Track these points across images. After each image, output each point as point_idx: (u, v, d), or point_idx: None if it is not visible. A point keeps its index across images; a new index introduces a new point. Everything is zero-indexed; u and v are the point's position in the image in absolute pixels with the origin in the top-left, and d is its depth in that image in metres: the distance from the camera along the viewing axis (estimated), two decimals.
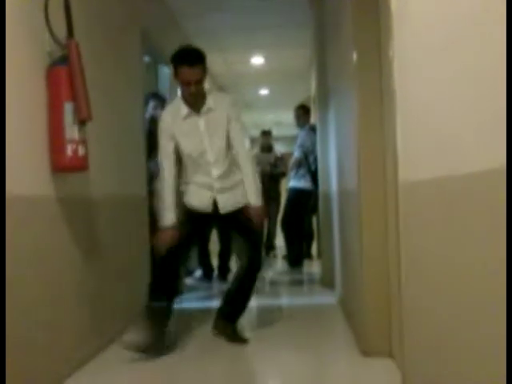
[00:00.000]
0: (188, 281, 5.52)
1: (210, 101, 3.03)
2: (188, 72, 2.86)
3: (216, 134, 3.05)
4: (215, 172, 3.06)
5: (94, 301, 3.04)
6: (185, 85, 2.91)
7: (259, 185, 3.20)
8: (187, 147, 3.03)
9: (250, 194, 3.11)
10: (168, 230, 2.98)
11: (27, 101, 2.41)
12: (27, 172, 2.38)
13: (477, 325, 1.24)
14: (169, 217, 2.98)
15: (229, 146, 3.10)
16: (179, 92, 3.13)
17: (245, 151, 3.14)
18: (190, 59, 2.88)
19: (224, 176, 3.08)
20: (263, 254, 7.73)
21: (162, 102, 4.70)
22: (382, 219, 2.74)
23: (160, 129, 3.07)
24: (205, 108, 3.02)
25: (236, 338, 3.15)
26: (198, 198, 3.09)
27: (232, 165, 3.12)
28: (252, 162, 3.21)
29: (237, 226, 3.21)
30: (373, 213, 2.76)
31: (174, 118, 3.03)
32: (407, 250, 1.93)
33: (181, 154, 3.07)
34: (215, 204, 3.08)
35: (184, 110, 3.01)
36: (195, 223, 3.15)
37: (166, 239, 2.96)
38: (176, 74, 2.94)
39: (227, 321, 3.22)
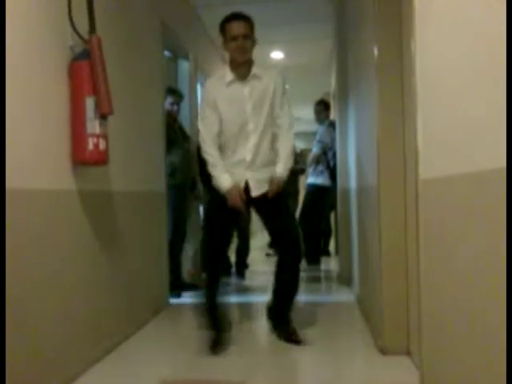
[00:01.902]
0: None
1: (256, 69, 2.98)
2: (235, 25, 2.87)
3: (259, 104, 2.96)
4: (252, 141, 2.96)
5: (113, 294, 3.08)
6: (232, 40, 2.88)
7: (292, 159, 3.12)
8: (228, 115, 2.94)
9: (279, 163, 3.04)
10: (231, 190, 2.90)
11: (49, 95, 2.44)
12: (49, 166, 2.41)
13: (496, 323, 1.22)
14: (224, 178, 2.91)
15: (271, 120, 3.01)
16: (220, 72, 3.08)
17: (288, 124, 3.07)
18: (236, 14, 2.91)
19: (260, 149, 2.99)
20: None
21: (179, 97, 4.71)
22: (402, 216, 2.73)
23: (202, 98, 3.03)
24: (250, 75, 2.96)
25: (293, 339, 3.06)
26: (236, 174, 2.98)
27: (271, 142, 3.04)
28: (293, 138, 3.12)
29: (272, 211, 3.07)
30: (392, 210, 2.75)
31: (217, 85, 2.97)
32: (426, 247, 1.92)
33: (222, 125, 2.97)
34: (246, 186, 2.99)
35: (229, 76, 2.95)
36: (226, 211, 2.99)
37: (236, 199, 2.90)
38: (224, 36, 2.92)
39: (282, 321, 3.15)
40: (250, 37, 2.90)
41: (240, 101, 2.94)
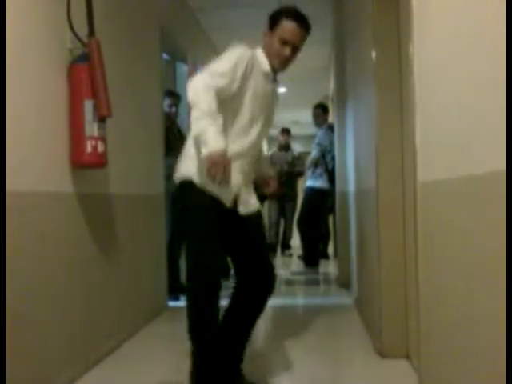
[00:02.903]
0: None
1: (278, 81, 2.53)
2: (294, 30, 2.35)
3: (270, 117, 2.51)
4: (252, 147, 2.41)
5: (112, 297, 3.07)
6: (281, 43, 2.35)
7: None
8: (247, 107, 2.34)
9: (267, 167, 2.84)
10: (221, 154, 2.09)
11: (48, 98, 2.44)
12: (47, 168, 2.41)
13: (495, 327, 1.22)
14: (219, 138, 2.10)
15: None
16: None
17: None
18: (302, 19, 2.40)
19: (251, 164, 2.46)
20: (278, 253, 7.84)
21: (177, 99, 4.73)
22: (400, 219, 2.73)
23: (229, 57, 2.29)
24: (276, 79, 2.49)
25: None
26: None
27: (258, 156, 2.58)
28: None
29: (250, 233, 2.44)
30: (390, 213, 2.75)
31: (255, 65, 2.36)
32: (425, 250, 1.92)
33: (231, 112, 2.31)
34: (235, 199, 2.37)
35: (266, 65, 2.40)
36: (215, 218, 2.32)
37: (219, 164, 2.08)
38: (274, 28, 2.37)
39: (237, 374, 2.44)
40: (299, 50, 2.43)
41: (265, 97, 2.42)
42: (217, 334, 2.33)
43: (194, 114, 2.15)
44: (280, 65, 2.42)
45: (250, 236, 2.44)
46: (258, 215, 2.46)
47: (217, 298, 2.28)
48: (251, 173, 2.47)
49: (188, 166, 2.34)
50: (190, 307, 2.32)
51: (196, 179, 2.30)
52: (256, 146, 2.45)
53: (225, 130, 2.21)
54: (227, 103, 2.27)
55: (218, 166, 2.08)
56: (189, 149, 2.37)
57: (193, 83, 2.21)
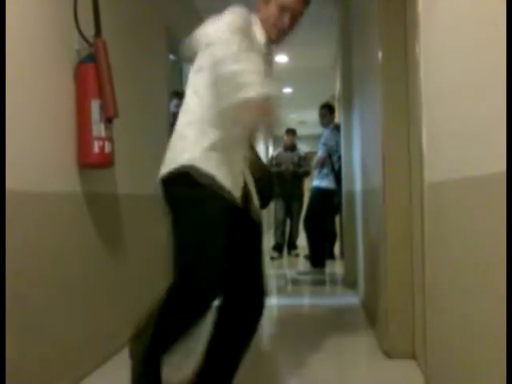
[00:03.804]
0: None
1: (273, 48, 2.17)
2: None
3: None
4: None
5: (118, 295, 3.08)
6: (280, 10, 2.01)
7: None
8: None
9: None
10: (267, 101, 1.77)
11: (55, 98, 2.45)
12: (54, 168, 2.42)
13: (502, 327, 1.22)
14: (266, 84, 1.78)
15: None
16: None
17: None
18: None
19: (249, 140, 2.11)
20: (285, 253, 7.83)
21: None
22: (407, 220, 2.72)
23: (233, 24, 1.90)
24: (271, 51, 2.16)
25: None
26: (232, 176, 1.93)
27: None
28: None
29: (253, 239, 2.09)
30: (397, 213, 2.74)
31: (250, 32, 1.99)
32: (432, 251, 1.91)
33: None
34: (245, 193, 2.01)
35: (261, 35, 2.05)
36: (226, 221, 1.91)
37: (272, 113, 1.79)
38: None
39: None
40: (299, 18, 2.09)
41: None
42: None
43: (220, 53, 1.80)
44: (278, 35, 2.07)
45: (251, 243, 2.07)
46: (259, 219, 2.10)
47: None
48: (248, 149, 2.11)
49: (185, 153, 1.90)
50: (167, 317, 1.94)
51: (202, 165, 1.85)
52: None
53: (220, 112, 1.86)
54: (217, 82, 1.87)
55: (269, 111, 1.75)
56: (184, 130, 1.95)
57: (212, 31, 1.88)
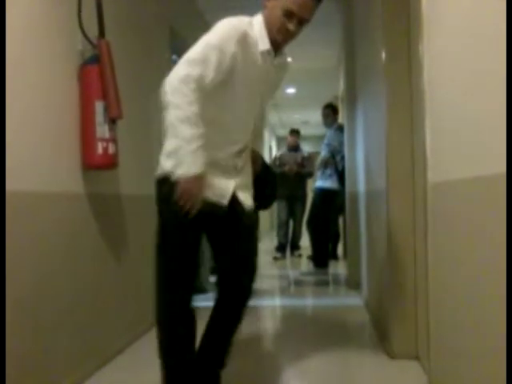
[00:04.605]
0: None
1: (285, 52, 2.13)
2: (302, 0, 1.92)
3: (269, 94, 2.20)
4: (243, 138, 2.09)
5: (122, 296, 3.08)
6: (284, 14, 1.92)
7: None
8: (239, 94, 1.99)
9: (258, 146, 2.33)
10: (195, 180, 1.86)
11: (59, 99, 2.45)
12: (58, 169, 2.43)
13: (504, 327, 1.22)
14: (198, 161, 1.86)
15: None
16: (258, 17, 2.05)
17: (265, 121, 2.32)
18: None
19: (246, 151, 2.14)
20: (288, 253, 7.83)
21: None
22: (410, 220, 2.72)
23: (211, 40, 1.93)
24: (280, 58, 2.09)
25: None
26: (216, 184, 1.99)
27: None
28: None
29: (243, 232, 2.12)
30: (401, 214, 2.74)
31: (245, 44, 1.96)
32: (435, 251, 1.91)
33: (214, 96, 1.96)
34: (234, 198, 2.05)
35: (266, 42, 1.99)
36: (199, 227, 2.02)
37: (192, 194, 1.87)
38: None
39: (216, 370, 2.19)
40: (307, 22, 1.98)
41: (261, 82, 2.05)
42: (192, 361, 2.09)
43: (170, 117, 1.91)
44: (283, 40, 2.00)
45: (239, 237, 2.10)
46: (252, 212, 2.13)
47: (192, 323, 2.07)
48: (248, 160, 2.15)
49: (166, 160, 2.02)
50: (163, 337, 2.07)
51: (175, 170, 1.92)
52: (247, 135, 2.11)
53: (213, 122, 1.95)
54: (213, 94, 1.94)
55: (191, 195, 1.86)
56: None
57: (170, 77, 1.95)
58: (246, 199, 2.10)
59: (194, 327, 2.08)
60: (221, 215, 2.02)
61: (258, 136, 2.28)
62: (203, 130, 1.87)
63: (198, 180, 1.87)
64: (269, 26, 1.98)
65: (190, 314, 2.06)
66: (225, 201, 2.01)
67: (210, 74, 1.89)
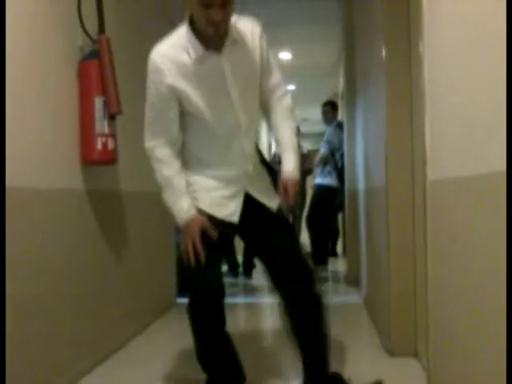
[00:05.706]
0: None
1: (233, 29, 1.93)
2: None
3: (248, 81, 1.99)
4: (248, 147, 2.05)
5: (120, 293, 3.09)
6: (203, 7, 1.80)
7: (298, 155, 2.24)
8: (204, 108, 1.93)
9: (288, 158, 2.14)
10: (192, 224, 1.94)
11: (58, 95, 2.45)
12: (58, 165, 2.43)
13: (502, 324, 1.22)
14: (184, 202, 1.96)
15: (257, 101, 2.08)
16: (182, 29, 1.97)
17: (287, 96, 2.15)
18: None
19: (251, 147, 2.10)
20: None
21: None
22: (410, 217, 2.72)
23: (150, 84, 1.95)
24: (228, 40, 1.92)
25: None
26: (217, 203, 2.03)
27: (256, 133, 2.17)
28: (294, 116, 2.21)
29: (273, 228, 2.12)
30: (400, 211, 2.74)
31: (178, 65, 1.91)
32: (434, 248, 1.91)
33: (193, 128, 2.00)
34: (247, 199, 2.07)
35: (197, 48, 1.89)
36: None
37: (195, 239, 1.94)
38: None
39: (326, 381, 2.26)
40: (230, 2, 1.81)
41: (219, 83, 1.92)
42: (228, 358, 2.23)
43: (156, 181, 2.02)
44: (217, 31, 1.85)
45: (269, 228, 2.11)
46: (269, 211, 2.12)
47: (219, 320, 2.12)
48: (253, 154, 2.11)
49: None
50: (195, 337, 2.22)
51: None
52: (250, 138, 2.07)
53: (208, 132, 1.98)
54: (189, 123, 2.00)
55: (189, 239, 1.93)
56: None
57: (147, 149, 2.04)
58: (265, 200, 2.12)
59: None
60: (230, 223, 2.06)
61: (279, 115, 2.15)
62: (179, 182, 1.98)
63: (193, 221, 1.96)
64: (198, 26, 1.88)
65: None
66: (235, 218, 2.05)
67: (166, 125, 1.98)
